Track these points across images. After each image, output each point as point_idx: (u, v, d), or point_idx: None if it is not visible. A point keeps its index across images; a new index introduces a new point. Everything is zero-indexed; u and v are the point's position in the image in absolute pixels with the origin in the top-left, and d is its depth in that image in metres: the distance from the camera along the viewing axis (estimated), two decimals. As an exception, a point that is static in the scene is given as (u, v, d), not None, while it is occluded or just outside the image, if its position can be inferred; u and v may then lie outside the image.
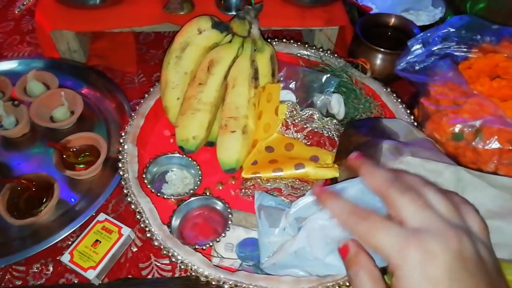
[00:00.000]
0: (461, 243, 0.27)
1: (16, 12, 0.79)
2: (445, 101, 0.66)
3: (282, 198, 0.61)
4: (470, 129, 0.62)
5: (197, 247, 0.56)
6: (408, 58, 0.72)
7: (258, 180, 0.64)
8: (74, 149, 0.67)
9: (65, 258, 0.55)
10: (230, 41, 0.67)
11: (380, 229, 0.29)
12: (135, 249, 0.60)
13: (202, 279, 0.52)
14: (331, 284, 0.50)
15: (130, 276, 0.58)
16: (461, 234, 0.28)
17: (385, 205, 0.32)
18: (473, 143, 0.62)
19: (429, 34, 0.72)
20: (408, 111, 0.71)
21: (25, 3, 0.79)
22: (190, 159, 0.66)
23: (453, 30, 0.71)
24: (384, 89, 0.74)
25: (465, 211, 0.32)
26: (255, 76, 0.65)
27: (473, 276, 0.26)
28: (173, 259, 0.53)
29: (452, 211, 0.30)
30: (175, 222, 0.59)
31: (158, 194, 0.61)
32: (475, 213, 0.32)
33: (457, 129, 0.63)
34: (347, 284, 0.50)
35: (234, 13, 0.79)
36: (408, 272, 0.27)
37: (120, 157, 0.63)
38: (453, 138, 0.64)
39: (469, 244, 0.28)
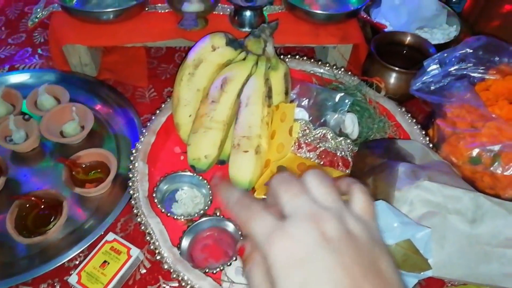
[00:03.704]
0: (325, 223, 0.28)
1: (29, 25, 0.78)
2: (462, 124, 0.64)
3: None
4: (488, 154, 0.61)
5: (207, 270, 0.54)
6: (424, 78, 0.71)
7: (270, 201, 0.62)
8: (84, 166, 0.66)
9: (73, 279, 0.54)
10: (244, 59, 0.66)
11: (255, 219, 0.30)
12: (143, 271, 0.59)
13: (213, 304, 0.50)
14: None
15: (138, 299, 0.57)
16: (327, 215, 0.29)
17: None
18: (492, 168, 0.61)
19: (445, 54, 0.71)
20: (424, 132, 0.70)
21: (38, 16, 0.79)
22: (201, 178, 0.65)
23: (471, 50, 0.70)
24: (399, 109, 0.73)
25: (350, 191, 0.33)
26: (269, 95, 0.64)
27: (337, 252, 0.27)
28: (183, 283, 0.52)
29: (328, 194, 0.31)
30: (185, 243, 0.58)
31: (169, 214, 0.60)
32: (359, 192, 0.33)
33: (474, 153, 0.62)
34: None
35: (247, 29, 0.78)
36: (275, 260, 0.28)
37: (130, 175, 0.62)
38: (471, 162, 0.63)
39: (335, 223, 0.29)
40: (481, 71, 0.69)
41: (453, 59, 0.70)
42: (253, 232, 0.30)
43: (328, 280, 0.26)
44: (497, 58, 0.69)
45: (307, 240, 0.28)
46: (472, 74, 0.70)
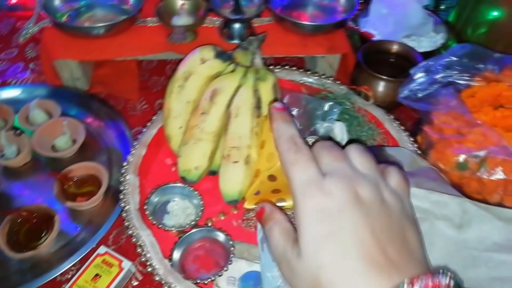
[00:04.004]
0: (361, 186, 0.29)
1: (20, 42, 0.79)
2: (449, 130, 0.65)
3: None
4: (474, 159, 0.62)
5: (198, 281, 0.54)
6: (411, 86, 0.72)
7: (261, 211, 0.63)
8: (76, 179, 0.67)
9: (65, 293, 0.54)
10: (233, 71, 0.67)
11: (298, 165, 0.31)
12: (135, 283, 0.59)
13: (204, 315, 0.51)
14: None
15: (130, 311, 0.57)
16: (364, 180, 0.30)
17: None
18: (478, 173, 0.61)
19: (432, 63, 0.72)
20: (412, 139, 0.71)
21: (29, 31, 0.80)
22: (192, 189, 0.65)
23: (456, 58, 0.71)
24: (387, 116, 0.74)
25: (386, 170, 0.34)
26: (258, 105, 0.65)
27: (367, 214, 0.28)
28: (174, 295, 0.52)
29: (368, 164, 0.32)
30: (176, 254, 0.58)
31: (160, 226, 0.60)
32: (396, 172, 0.34)
33: (461, 158, 0.63)
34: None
35: (237, 41, 0.80)
36: (305, 211, 0.29)
37: (121, 188, 0.62)
38: (458, 167, 0.64)
39: (371, 189, 0.29)
40: (467, 78, 0.71)
41: (439, 67, 0.72)
42: (292, 177, 0.31)
43: (352, 236, 0.27)
44: (482, 65, 0.71)
45: (340, 197, 0.28)
46: (458, 81, 0.71)
